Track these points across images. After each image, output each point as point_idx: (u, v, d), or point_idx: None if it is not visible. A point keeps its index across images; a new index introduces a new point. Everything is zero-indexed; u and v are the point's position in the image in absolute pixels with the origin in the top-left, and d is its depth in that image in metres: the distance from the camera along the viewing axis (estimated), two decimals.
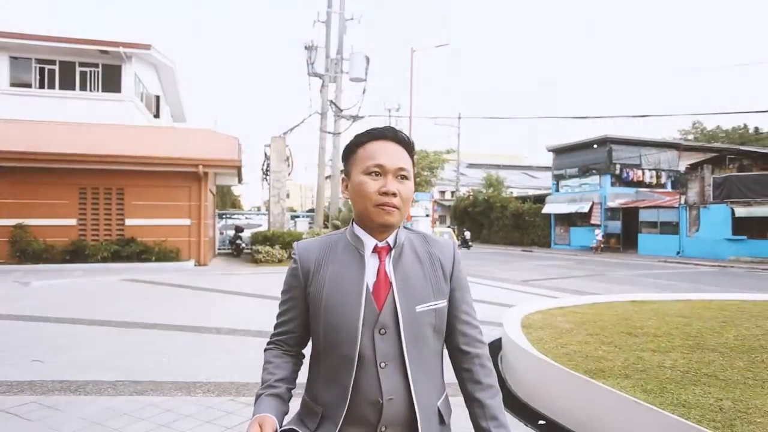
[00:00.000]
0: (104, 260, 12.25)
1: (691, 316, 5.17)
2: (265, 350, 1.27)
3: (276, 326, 1.27)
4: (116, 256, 12.49)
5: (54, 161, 12.17)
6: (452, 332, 1.24)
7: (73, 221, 12.84)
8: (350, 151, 1.23)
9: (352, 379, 1.12)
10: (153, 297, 8.36)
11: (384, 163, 1.15)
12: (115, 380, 3.93)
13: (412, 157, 1.23)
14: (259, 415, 1.12)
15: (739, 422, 2.51)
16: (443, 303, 1.21)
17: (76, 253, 12.30)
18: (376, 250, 1.19)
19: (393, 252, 1.20)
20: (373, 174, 1.16)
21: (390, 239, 1.21)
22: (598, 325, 4.77)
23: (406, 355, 1.13)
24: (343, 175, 1.26)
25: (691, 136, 51.97)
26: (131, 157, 12.63)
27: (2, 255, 12.19)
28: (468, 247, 27.79)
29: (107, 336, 5.47)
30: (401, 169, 1.17)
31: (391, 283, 1.16)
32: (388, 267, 1.18)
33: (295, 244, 1.26)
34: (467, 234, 29.34)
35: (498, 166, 53.17)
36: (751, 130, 50.39)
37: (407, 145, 1.21)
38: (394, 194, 1.15)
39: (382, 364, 1.12)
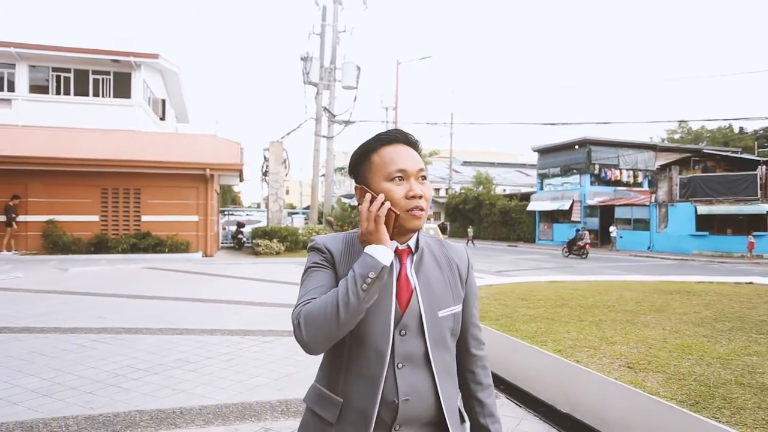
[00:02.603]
0: (124, 251, 14.02)
1: (580, 290, 6.96)
2: (301, 311, 1.09)
3: (308, 296, 1.13)
4: (134, 248, 14.26)
5: (81, 165, 13.94)
6: (463, 334, 1.27)
7: (96, 217, 14.63)
8: (363, 160, 1.20)
9: (384, 376, 1.11)
10: (171, 280, 10.13)
11: (406, 167, 1.15)
12: (160, 328, 5.72)
13: (421, 155, 1.23)
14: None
15: (540, 337, 4.29)
16: (460, 307, 1.23)
17: (99, 246, 14.08)
18: (396, 252, 1.18)
19: (415, 256, 1.20)
20: (397, 179, 1.14)
21: (411, 242, 1.20)
22: (505, 295, 6.55)
23: (432, 357, 1.15)
24: (356, 185, 1.20)
25: (677, 136, 53.70)
26: (148, 162, 14.39)
27: (37, 247, 14.00)
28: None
29: (144, 305, 7.25)
30: (421, 170, 1.17)
31: (413, 287, 1.16)
32: (410, 271, 1.18)
33: (314, 237, 1.24)
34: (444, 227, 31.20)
35: (492, 164, 54.91)
36: (735, 130, 52.04)
37: (416, 146, 1.21)
38: (421, 197, 1.15)
39: (399, 365, 1.13)
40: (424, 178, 1.18)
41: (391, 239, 1.14)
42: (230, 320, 6.25)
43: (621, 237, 26.12)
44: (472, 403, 1.27)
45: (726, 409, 2.67)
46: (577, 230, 21.82)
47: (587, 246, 20.37)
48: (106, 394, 3.56)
